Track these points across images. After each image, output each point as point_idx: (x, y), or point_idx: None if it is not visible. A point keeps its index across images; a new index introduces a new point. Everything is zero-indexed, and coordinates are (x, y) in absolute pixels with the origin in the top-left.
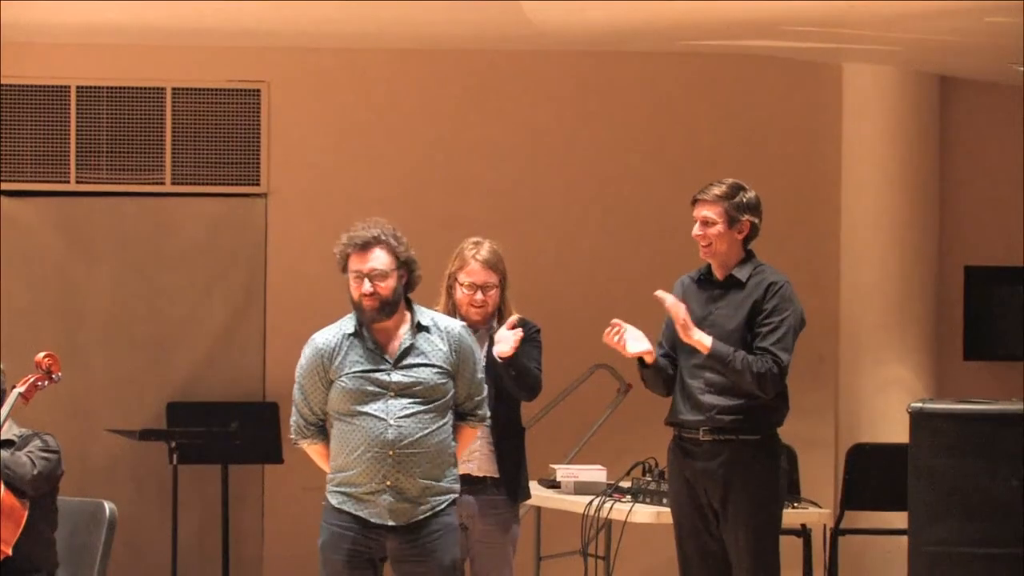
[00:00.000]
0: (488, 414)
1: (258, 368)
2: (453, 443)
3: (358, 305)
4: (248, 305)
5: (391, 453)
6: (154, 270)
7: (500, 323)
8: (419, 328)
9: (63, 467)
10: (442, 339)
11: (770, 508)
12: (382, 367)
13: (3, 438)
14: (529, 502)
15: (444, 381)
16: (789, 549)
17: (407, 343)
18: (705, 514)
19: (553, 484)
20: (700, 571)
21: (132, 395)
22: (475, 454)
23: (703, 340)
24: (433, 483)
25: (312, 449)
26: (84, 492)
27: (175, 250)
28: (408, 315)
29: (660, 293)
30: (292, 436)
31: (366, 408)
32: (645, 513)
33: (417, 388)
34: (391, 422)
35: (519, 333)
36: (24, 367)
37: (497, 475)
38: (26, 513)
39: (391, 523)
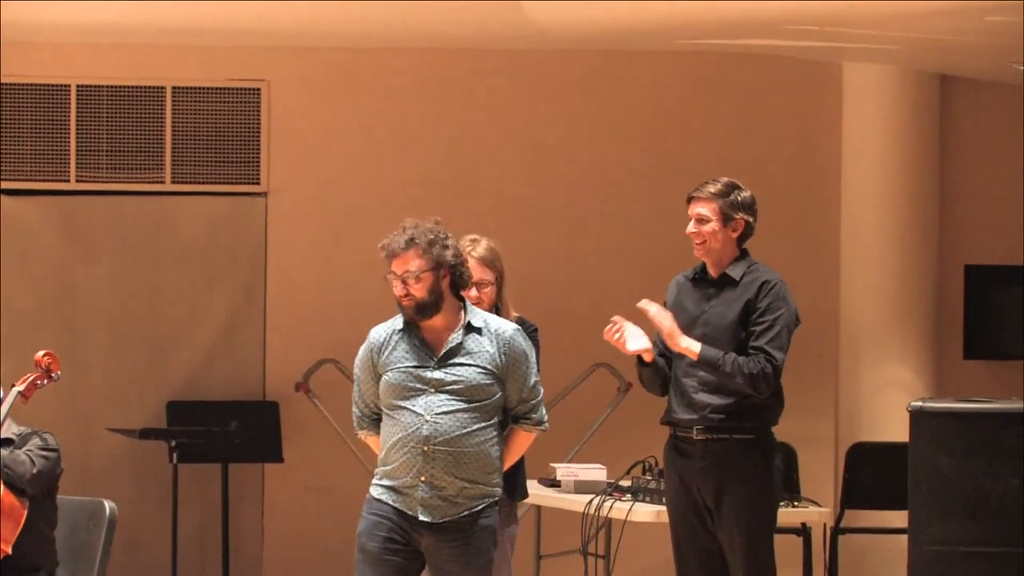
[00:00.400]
0: (546, 418)
1: (258, 367)
2: (499, 446)
3: (399, 305)
4: (248, 304)
5: (425, 449)
6: (154, 270)
7: None
8: (469, 328)
9: (62, 466)
10: (491, 341)
11: (765, 507)
12: (426, 364)
13: (2, 436)
14: (529, 501)
15: (489, 382)
16: (789, 548)
17: (455, 342)
18: (701, 513)
19: (553, 483)
20: (696, 570)
21: (132, 394)
22: None
23: (691, 347)
24: (471, 484)
25: (370, 441)
26: (84, 491)
27: (175, 250)
28: (461, 315)
29: (644, 303)
30: (355, 427)
31: (407, 403)
32: (645, 512)
33: (458, 386)
34: (428, 418)
35: None
36: (24, 367)
37: None
38: (26, 512)
39: (426, 518)
